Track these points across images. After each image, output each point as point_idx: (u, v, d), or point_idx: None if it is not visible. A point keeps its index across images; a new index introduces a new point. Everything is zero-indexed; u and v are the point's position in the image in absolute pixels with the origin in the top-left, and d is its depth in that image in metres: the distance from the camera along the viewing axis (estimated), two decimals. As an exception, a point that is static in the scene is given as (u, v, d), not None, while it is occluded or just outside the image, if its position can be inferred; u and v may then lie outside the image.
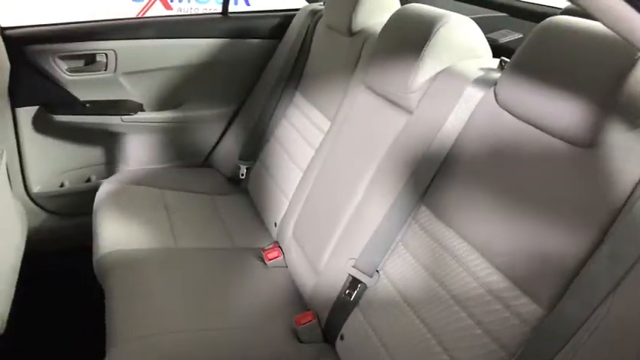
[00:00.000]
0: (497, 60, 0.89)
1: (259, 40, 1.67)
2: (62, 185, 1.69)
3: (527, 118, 0.74)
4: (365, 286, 0.97)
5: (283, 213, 1.36)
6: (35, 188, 1.63)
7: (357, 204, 1.07)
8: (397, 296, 0.91)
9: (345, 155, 1.18)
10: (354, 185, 1.09)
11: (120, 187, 1.50)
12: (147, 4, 4.64)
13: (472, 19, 1.00)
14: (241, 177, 1.63)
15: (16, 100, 1.47)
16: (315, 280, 1.13)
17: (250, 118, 1.65)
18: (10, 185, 1.54)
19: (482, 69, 0.89)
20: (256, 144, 1.60)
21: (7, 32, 1.41)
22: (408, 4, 1.09)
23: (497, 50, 1.01)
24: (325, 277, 1.09)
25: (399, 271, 0.93)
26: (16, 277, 1.33)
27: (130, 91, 1.62)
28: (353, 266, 0.98)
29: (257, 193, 1.56)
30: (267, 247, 1.34)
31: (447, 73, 0.93)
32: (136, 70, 1.59)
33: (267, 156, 1.56)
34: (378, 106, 1.10)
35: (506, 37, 1.27)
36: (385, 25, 1.09)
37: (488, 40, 1.02)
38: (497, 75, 0.83)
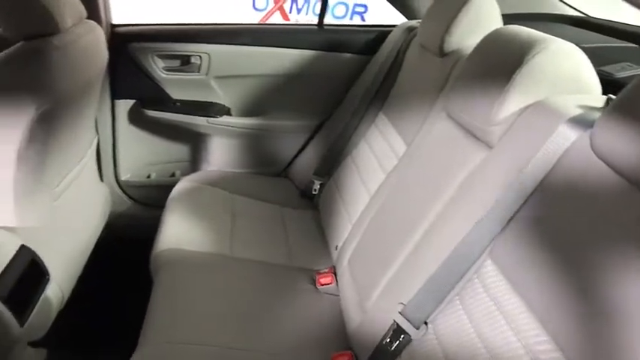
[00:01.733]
0: (605, 98, 0.73)
1: (352, 54, 1.61)
2: (149, 176, 1.77)
3: (627, 173, 0.58)
4: (409, 338, 0.85)
5: (345, 237, 1.28)
6: (124, 176, 1.73)
7: (417, 242, 0.95)
8: (441, 355, 0.78)
9: (412, 186, 1.06)
10: (416, 221, 0.97)
11: (195, 186, 1.52)
12: (267, 14, 4.86)
13: (588, 47, 0.84)
14: (314, 192, 1.58)
15: (116, 92, 1.57)
16: (361, 318, 1.03)
17: (331, 134, 1.60)
18: (102, 170, 1.65)
19: (582, 106, 0.73)
20: (332, 161, 1.54)
21: (116, 29, 1.51)
22: (509, 26, 0.95)
23: (611, 86, 0.83)
24: (371, 317, 0.99)
25: (450, 328, 0.80)
26: (87, 256, 1.40)
27: (219, 94, 1.66)
28: (400, 312, 0.87)
29: (325, 211, 1.49)
30: (322, 271, 1.26)
31: (537, 107, 0.78)
32: (227, 74, 1.62)
33: (340, 175, 1.49)
34: (456, 136, 0.97)
35: (625, 71, 1.06)
36: (476, 47, 0.96)
37: (600, 74, 0.85)
38: (598, 115, 0.67)
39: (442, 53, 1.16)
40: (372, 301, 1.01)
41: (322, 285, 1.22)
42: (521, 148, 0.78)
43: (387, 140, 1.32)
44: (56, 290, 1.16)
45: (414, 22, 1.49)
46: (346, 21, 4.80)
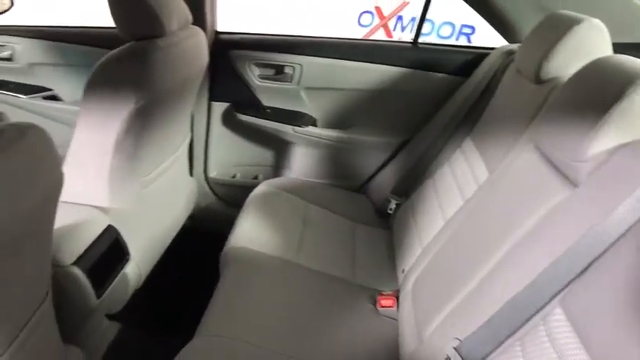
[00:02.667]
0: None
1: (444, 74, 1.56)
2: (234, 176, 1.86)
3: None
4: (460, 378, 0.80)
5: (413, 261, 1.24)
6: (212, 173, 1.84)
7: (484, 276, 0.89)
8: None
9: (488, 216, 1.00)
10: (487, 253, 0.91)
11: (273, 190, 1.57)
12: (371, 30, 4.91)
13: None
14: (389, 211, 1.56)
15: (213, 95, 1.68)
16: (416, 346, 0.98)
17: (414, 154, 1.56)
18: (192, 166, 1.77)
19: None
20: (412, 181, 1.51)
21: (219, 36, 1.61)
22: (614, 55, 0.86)
23: None
24: (426, 347, 0.94)
25: (506, 376, 0.74)
26: (167, 242, 1.50)
27: (308, 104, 1.70)
28: (455, 348, 0.82)
29: (398, 232, 1.46)
30: (385, 293, 1.23)
31: (634, 147, 0.70)
32: (317, 86, 1.66)
33: (418, 196, 1.44)
34: (540, 169, 0.90)
35: None
36: (573, 75, 0.88)
37: None
38: None
39: (538, 80, 1.09)
40: (429, 331, 0.97)
41: (383, 307, 1.19)
42: (611, 190, 0.70)
43: (471, 166, 1.26)
44: (135, 270, 1.26)
45: (514, 46, 1.41)
46: (451, 42, 4.69)
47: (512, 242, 0.87)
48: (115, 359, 1.27)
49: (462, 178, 1.27)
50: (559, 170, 0.85)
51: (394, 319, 1.17)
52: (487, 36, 1.62)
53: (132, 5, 1.08)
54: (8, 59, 1.81)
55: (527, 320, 0.73)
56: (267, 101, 1.70)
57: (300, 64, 1.60)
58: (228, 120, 1.74)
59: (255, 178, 1.86)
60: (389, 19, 4.90)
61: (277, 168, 1.84)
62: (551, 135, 0.88)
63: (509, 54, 1.38)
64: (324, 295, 1.21)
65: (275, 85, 1.66)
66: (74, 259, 1.00)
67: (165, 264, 1.49)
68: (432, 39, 4.67)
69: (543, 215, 0.82)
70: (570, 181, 0.81)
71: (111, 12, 1.10)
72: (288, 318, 1.10)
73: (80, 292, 1.00)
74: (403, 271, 1.28)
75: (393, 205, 1.55)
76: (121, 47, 1.08)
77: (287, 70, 1.62)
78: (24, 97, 1.81)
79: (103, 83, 1.06)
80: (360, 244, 1.46)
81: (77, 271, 0.99)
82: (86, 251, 1.04)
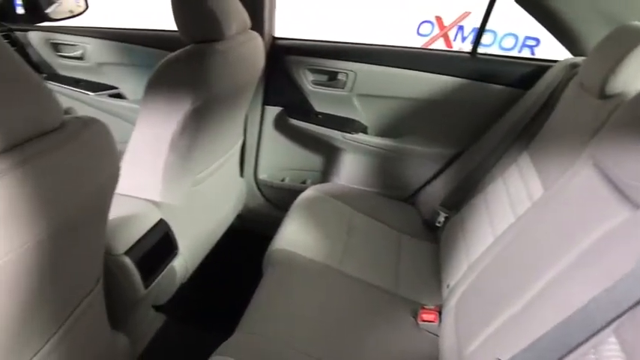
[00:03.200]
0: None
1: (502, 86, 1.51)
2: (283, 180, 1.88)
3: None
4: (501, 402, 0.76)
5: (459, 277, 1.20)
6: (262, 175, 1.87)
7: (532, 297, 0.85)
8: None
9: (541, 235, 0.95)
10: (536, 273, 0.87)
11: (320, 196, 1.57)
12: (430, 40, 4.84)
13: None
14: (437, 224, 1.52)
15: (267, 99, 1.72)
16: (455, 365, 0.95)
17: (466, 167, 1.52)
18: (243, 167, 1.81)
19: None
20: (463, 194, 1.47)
21: (276, 41, 1.65)
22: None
23: None
24: (465, 367, 0.91)
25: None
26: (215, 239, 1.54)
27: (360, 111, 1.70)
28: (496, 369, 0.79)
29: (445, 246, 1.42)
30: (427, 307, 1.20)
31: None
32: (370, 93, 1.65)
33: (467, 211, 1.40)
34: (599, 189, 0.84)
35: None
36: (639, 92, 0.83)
37: None
38: None
39: (602, 95, 1.03)
40: (471, 349, 0.93)
41: (424, 321, 1.16)
42: (678, 214, 0.65)
43: (525, 182, 1.21)
44: (182, 264, 1.30)
45: (578, 59, 1.35)
46: (493, 50, 4.55)
47: (565, 263, 0.82)
48: (158, 349, 1.31)
49: (516, 194, 1.22)
50: (620, 190, 0.79)
51: (435, 334, 1.14)
52: (552, 48, 1.55)
53: (193, 9, 1.12)
54: (80, 58, 1.94)
55: (577, 347, 0.69)
56: (319, 107, 1.71)
57: (353, 71, 1.60)
58: (281, 124, 1.77)
59: (304, 182, 1.88)
60: (449, 29, 4.82)
61: (326, 174, 1.85)
62: (614, 153, 0.83)
63: (572, 67, 1.32)
64: (365, 304, 1.20)
65: (328, 91, 1.67)
66: (126, 248, 1.05)
67: (211, 260, 1.53)
68: (494, 50, 4.54)
69: (600, 236, 0.78)
70: (631, 202, 0.76)
71: (174, 15, 1.14)
72: (327, 323, 1.10)
73: (129, 280, 1.05)
74: (448, 286, 1.24)
75: (441, 218, 1.51)
76: (181, 49, 1.12)
77: (340, 76, 1.63)
78: (91, 94, 1.92)
79: (162, 83, 1.10)
80: (405, 255, 1.43)
81: (128, 261, 1.04)
82: (137, 242, 1.08)
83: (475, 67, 1.55)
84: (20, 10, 1.83)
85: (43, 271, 0.63)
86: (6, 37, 1.88)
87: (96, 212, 0.76)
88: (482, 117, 1.55)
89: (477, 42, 1.54)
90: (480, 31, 1.53)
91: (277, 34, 1.68)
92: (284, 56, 1.64)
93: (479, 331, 0.93)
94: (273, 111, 1.75)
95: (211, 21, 1.13)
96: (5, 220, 0.52)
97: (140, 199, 1.20)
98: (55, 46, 1.94)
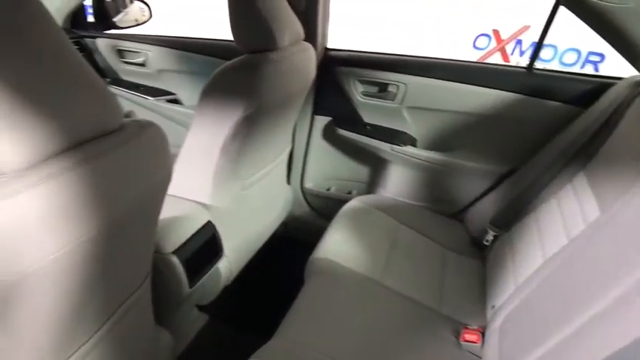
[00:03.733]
0: None
1: (560, 103, 1.46)
2: (328, 189, 1.89)
3: None
4: None
5: (505, 299, 1.16)
6: (308, 184, 1.89)
7: (580, 326, 0.81)
8: None
9: (594, 259, 0.91)
10: (587, 301, 0.82)
11: (365, 207, 1.57)
12: (486, 53, 4.74)
13: None
14: (485, 243, 1.47)
15: (317, 108, 1.74)
16: (497, 390, 0.92)
17: (518, 185, 1.47)
18: (290, 175, 1.84)
19: None
20: (513, 213, 1.41)
21: (328, 52, 1.67)
22: None
23: None
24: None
25: None
26: (259, 244, 1.57)
27: (409, 124, 1.68)
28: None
29: (492, 266, 1.37)
30: (470, 327, 1.16)
31: None
32: (420, 106, 1.63)
33: (517, 230, 1.35)
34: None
35: None
36: None
37: None
38: None
39: (670, 115, 0.97)
40: (513, 375, 0.90)
41: (466, 341, 1.12)
42: None
43: (580, 203, 1.16)
44: (227, 266, 1.33)
45: (645, 77, 1.28)
46: (553, 66, 4.38)
47: (620, 291, 0.77)
48: (199, 348, 1.34)
49: (570, 216, 1.17)
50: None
51: (477, 355, 1.10)
52: (618, 65, 1.48)
53: (249, 21, 1.16)
54: (142, 64, 2.04)
55: (630, 382, 0.65)
56: (368, 118, 1.72)
57: (404, 83, 1.60)
58: (329, 134, 1.78)
59: (349, 193, 1.88)
60: (507, 42, 4.70)
61: (372, 185, 1.84)
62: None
63: (638, 85, 1.25)
64: (405, 319, 1.18)
65: (377, 103, 1.67)
66: (174, 248, 1.09)
67: (255, 265, 1.55)
68: (554, 66, 4.38)
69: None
70: (699, 230, 0.71)
71: (230, 26, 1.19)
72: (365, 336, 1.09)
73: (175, 279, 1.09)
74: (493, 307, 1.20)
75: (490, 237, 1.46)
76: (236, 59, 1.16)
77: (391, 88, 1.63)
78: (151, 99, 2.02)
79: (217, 90, 1.14)
80: (450, 272, 1.40)
81: (175, 260, 1.08)
82: (185, 242, 1.12)
83: (531, 82, 1.50)
84: (91, 19, 1.96)
85: (95, 265, 0.66)
86: (76, 43, 2.01)
87: (148, 211, 0.79)
88: (537, 134, 1.50)
89: (534, 56, 1.49)
90: (538, 45, 1.48)
91: (331, 46, 1.70)
92: (335, 67, 1.66)
93: (524, 356, 0.90)
94: (322, 121, 1.77)
95: (266, 32, 1.16)
96: (65, 214, 0.56)
97: (190, 200, 1.25)
98: (120, 53, 2.06)
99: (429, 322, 1.19)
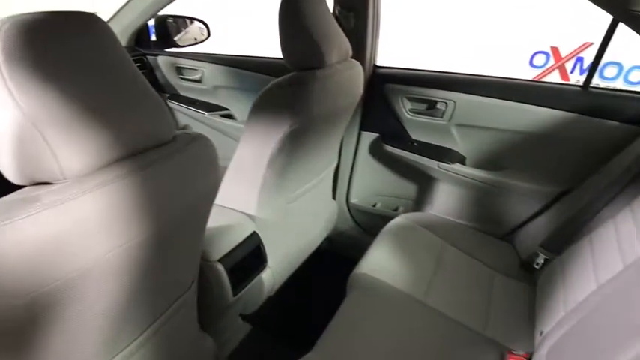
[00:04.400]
0: None
1: (619, 123, 1.39)
2: (374, 205, 1.89)
3: None
4: None
5: (554, 324, 1.11)
6: (353, 199, 1.90)
7: (634, 357, 0.76)
8: None
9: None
10: (633, 332, 0.78)
11: (411, 224, 1.55)
12: (544, 71, 4.59)
13: None
14: (535, 266, 1.42)
15: (364, 125, 1.75)
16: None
17: (572, 207, 1.41)
18: (336, 190, 1.85)
19: None
20: (566, 236, 1.36)
21: (378, 70, 1.69)
22: None
23: None
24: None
25: None
26: (303, 258, 1.59)
27: (457, 141, 1.66)
28: None
29: (542, 290, 1.32)
30: (516, 353, 1.12)
31: None
32: (470, 124, 1.61)
33: (570, 254, 1.29)
34: None
35: None
36: None
37: None
38: None
39: None
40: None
41: (511, 366, 1.09)
42: None
43: (638, 228, 1.10)
44: (270, 277, 1.36)
45: None
46: (618, 85, 4.15)
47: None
48: (241, 356, 1.37)
49: (627, 241, 1.11)
50: None
51: (523, 382, 1.06)
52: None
53: (298, 40, 1.20)
54: (198, 81, 2.14)
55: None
56: (415, 135, 1.71)
57: (453, 101, 1.58)
58: (375, 150, 1.79)
59: (396, 210, 1.87)
60: (566, 60, 4.53)
61: (418, 203, 1.82)
62: None
63: None
64: (448, 341, 1.15)
65: (425, 120, 1.66)
66: (220, 256, 1.13)
67: (298, 277, 1.57)
68: (619, 85, 4.18)
69: None
70: None
71: (280, 45, 1.23)
72: (404, 355, 1.08)
73: (220, 286, 1.12)
74: (541, 333, 1.15)
75: (540, 260, 1.41)
76: (284, 76, 1.20)
77: (439, 105, 1.61)
78: (206, 113, 2.11)
79: (265, 106, 1.19)
80: (497, 295, 1.36)
81: (220, 268, 1.11)
82: (231, 251, 1.16)
83: (587, 101, 1.45)
84: (153, 38, 2.09)
85: (143, 268, 0.70)
86: (139, 60, 2.14)
87: (195, 219, 0.83)
88: (593, 155, 1.44)
89: (590, 74, 1.44)
90: (595, 61, 1.42)
91: (382, 62, 1.71)
92: (383, 84, 1.67)
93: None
94: (369, 137, 1.78)
95: (313, 51, 1.20)
96: (118, 217, 0.60)
97: (237, 211, 1.29)
98: (179, 70, 2.17)
99: (471, 344, 1.16)
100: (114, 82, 0.62)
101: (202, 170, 0.78)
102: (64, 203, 0.54)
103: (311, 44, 1.19)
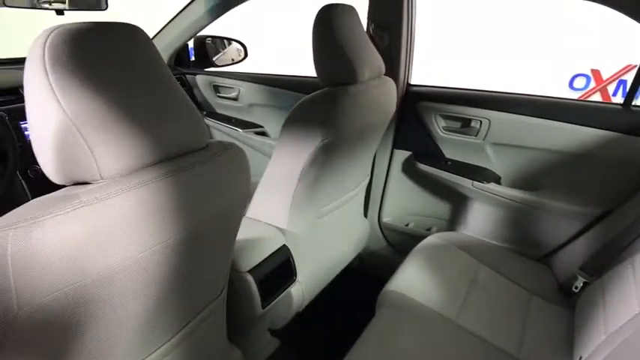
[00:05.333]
0: None
1: (661, 143, 1.34)
2: (407, 225, 1.87)
3: None
4: None
5: (592, 349, 1.06)
6: (385, 218, 1.88)
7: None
8: None
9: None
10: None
11: (444, 243, 1.53)
12: (585, 94, 4.48)
13: None
14: (574, 289, 1.37)
15: (397, 142, 1.75)
16: None
17: (613, 229, 1.36)
18: (367, 208, 1.85)
19: None
20: (606, 259, 1.30)
21: (411, 88, 1.69)
22: None
23: None
24: None
25: None
26: (333, 274, 1.59)
27: (492, 160, 1.63)
28: None
29: (582, 314, 1.26)
30: (553, 377, 1.08)
31: None
32: (505, 142, 1.58)
33: (611, 277, 1.24)
34: None
35: None
36: None
37: None
38: None
39: None
40: None
41: (547, 392, 1.04)
42: None
43: (684, 250, 1.05)
44: (299, 292, 1.36)
45: None
46: None
47: None
48: (269, 372, 1.36)
49: (672, 263, 1.06)
50: None
51: (559, 409, 1.01)
52: None
53: (332, 56, 1.23)
54: (234, 99, 2.20)
55: None
56: (449, 153, 1.69)
57: (488, 119, 1.56)
58: (408, 168, 1.78)
59: (429, 229, 1.84)
60: (608, 82, 4.41)
61: (452, 223, 1.79)
62: None
63: None
64: (478, 364, 1.12)
65: (459, 138, 1.64)
66: (250, 267, 1.14)
67: (327, 294, 1.56)
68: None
69: None
70: None
71: (314, 62, 1.26)
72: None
73: (249, 297, 1.13)
74: (580, 358, 1.10)
75: (579, 283, 1.35)
76: (316, 92, 1.22)
77: (474, 123, 1.60)
78: (241, 131, 2.16)
79: (297, 120, 1.21)
80: (534, 318, 1.31)
81: (250, 279, 1.12)
82: (261, 263, 1.17)
83: (628, 120, 1.40)
84: (192, 58, 2.18)
85: (173, 272, 0.72)
86: (179, 79, 2.22)
87: (226, 226, 0.85)
88: (634, 175, 1.38)
89: (631, 92, 1.40)
90: (636, 80, 1.38)
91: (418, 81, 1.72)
92: (417, 102, 1.67)
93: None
94: (402, 155, 1.77)
95: (346, 67, 1.22)
96: (151, 218, 0.62)
97: (268, 224, 1.30)
98: (216, 88, 2.24)
99: (505, 369, 1.12)
100: (151, 89, 0.65)
101: (234, 177, 0.80)
102: (101, 201, 0.56)
103: (344, 60, 1.21)
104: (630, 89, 1.40)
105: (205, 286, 0.89)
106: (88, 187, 0.59)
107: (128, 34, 0.64)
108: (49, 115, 0.56)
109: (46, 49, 0.56)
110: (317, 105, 1.19)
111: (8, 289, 0.50)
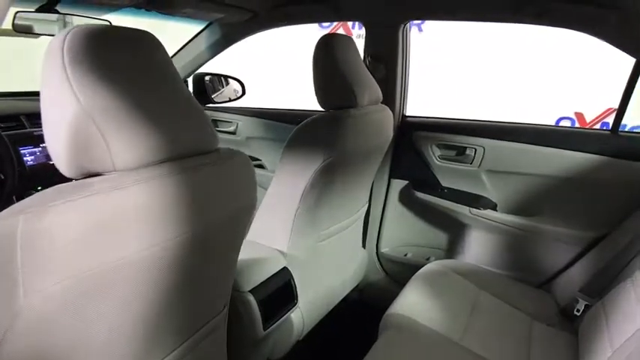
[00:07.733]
0: None
1: (652, 165, 1.38)
2: (405, 255, 1.86)
3: None
4: None
5: (600, 368, 1.04)
6: (384, 248, 1.88)
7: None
8: None
9: None
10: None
11: (443, 270, 1.52)
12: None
13: None
14: (576, 313, 1.36)
15: (394, 172, 1.78)
16: None
17: (610, 251, 1.37)
18: (366, 238, 1.85)
19: None
20: (606, 281, 1.31)
21: (406, 119, 1.74)
22: None
23: None
24: None
25: None
26: (332, 304, 1.56)
27: (488, 188, 1.66)
28: None
29: (585, 337, 1.25)
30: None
31: None
32: (500, 169, 1.62)
33: (612, 298, 1.24)
34: None
35: None
36: None
37: None
38: None
39: None
40: None
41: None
42: None
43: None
44: (299, 318, 1.33)
45: None
46: None
47: None
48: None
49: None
50: None
51: None
52: None
53: (333, 82, 1.28)
54: (233, 133, 2.24)
55: None
56: (445, 182, 1.72)
57: (482, 147, 1.61)
58: (405, 197, 1.80)
59: (427, 259, 1.83)
60: (592, 125, 4.54)
61: (451, 252, 1.79)
62: None
63: None
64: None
65: (455, 166, 1.68)
66: (251, 287, 1.13)
67: (327, 325, 1.53)
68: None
69: None
70: None
71: (314, 87, 1.31)
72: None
73: (250, 318, 1.11)
74: (589, 379, 1.08)
75: (581, 306, 1.35)
76: (317, 114, 1.26)
77: (468, 151, 1.64)
78: None
79: (300, 140, 1.24)
80: (537, 343, 1.29)
81: (251, 299, 1.11)
82: (262, 284, 1.16)
83: (617, 144, 1.45)
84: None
85: (178, 274, 0.71)
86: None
87: (232, 233, 0.85)
88: (626, 197, 1.42)
89: (617, 118, 1.45)
90: (622, 106, 1.44)
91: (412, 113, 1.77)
92: (412, 132, 1.72)
93: None
94: (398, 184, 1.79)
95: (347, 91, 1.27)
96: (159, 213, 0.63)
97: (269, 247, 1.30)
98: (215, 123, 2.28)
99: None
100: (165, 91, 0.68)
101: (242, 183, 0.81)
102: (114, 190, 0.57)
103: (345, 85, 1.26)
104: (616, 116, 1.46)
105: (207, 298, 0.88)
106: (102, 177, 0.59)
107: (142, 37, 0.67)
108: (65, 106, 0.58)
109: (65, 45, 0.59)
110: (319, 126, 1.23)
111: (15, 274, 0.50)
